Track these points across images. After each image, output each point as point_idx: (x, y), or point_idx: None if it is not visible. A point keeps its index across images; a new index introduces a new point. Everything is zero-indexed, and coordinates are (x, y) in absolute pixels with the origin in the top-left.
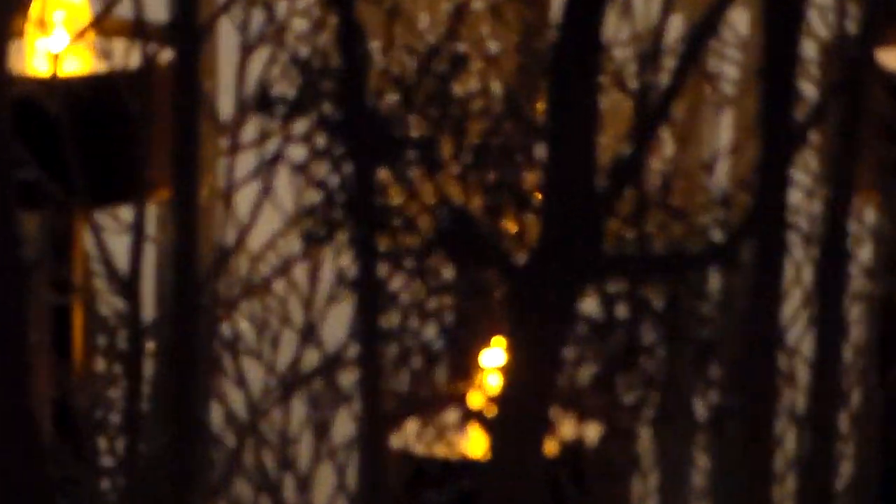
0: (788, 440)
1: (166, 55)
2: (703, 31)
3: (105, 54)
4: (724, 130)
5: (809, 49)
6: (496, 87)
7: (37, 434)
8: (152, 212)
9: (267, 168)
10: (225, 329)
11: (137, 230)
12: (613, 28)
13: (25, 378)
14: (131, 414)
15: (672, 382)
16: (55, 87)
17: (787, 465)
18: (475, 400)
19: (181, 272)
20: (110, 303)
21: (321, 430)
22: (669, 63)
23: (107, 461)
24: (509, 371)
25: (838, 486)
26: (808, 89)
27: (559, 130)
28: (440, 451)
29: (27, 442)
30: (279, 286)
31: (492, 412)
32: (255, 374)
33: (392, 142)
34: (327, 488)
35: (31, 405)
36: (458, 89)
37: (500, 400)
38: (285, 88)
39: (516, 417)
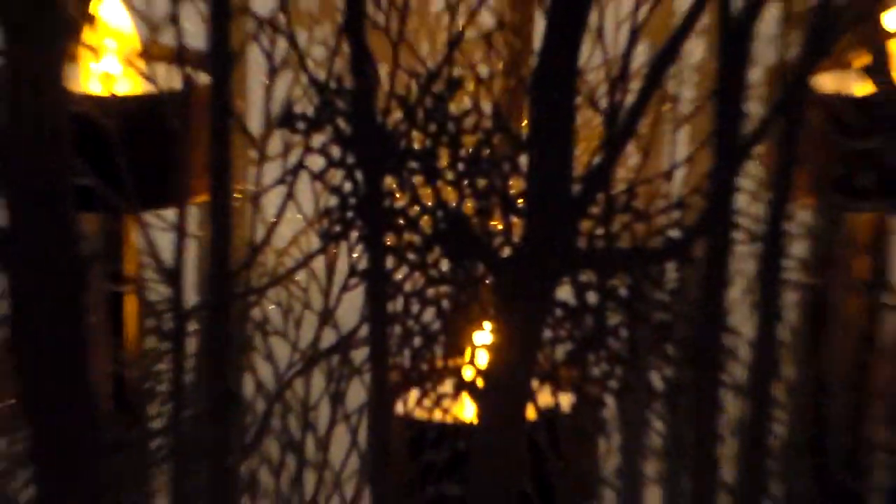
0: (731, 407)
1: (203, 78)
2: (665, 58)
3: (151, 77)
4: (681, 144)
5: (756, 74)
6: (486, 106)
7: (95, 403)
8: (193, 213)
9: (290, 176)
10: (255, 313)
11: (180, 228)
12: (587, 54)
13: (85, 355)
14: (176, 385)
15: (634, 358)
16: (108, 105)
17: (730, 428)
18: (467, 373)
19: (218, 264)
20: (158, 290)
21: (337, 398)
22: (635, 85)
23: (156, 425)
24: (496, 349)
25: (773, 446)
26: (755, 108)
27: (540, 143)
28: (437, 416)
29: (87, 410)
30: (301, 276)
31: (481, 383)
32: (281, 350)
33: (397, 153)
34: (342, 447)
35: (91, 378)
36: (453, 108)
37: (488, 373)
38: (305, 107)
39: (501, 388)
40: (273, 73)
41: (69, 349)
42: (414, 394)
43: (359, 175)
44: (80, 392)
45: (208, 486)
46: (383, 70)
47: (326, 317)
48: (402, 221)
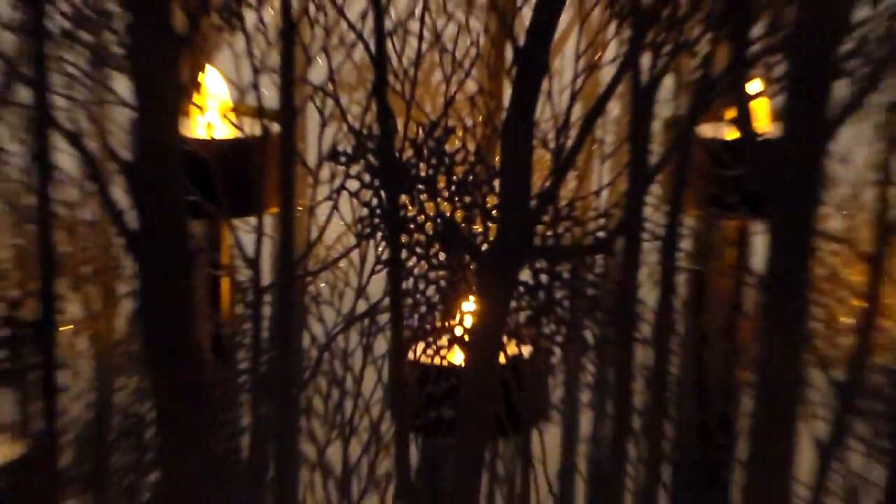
0: (641, 355)
1: (275, 127)
2: (594, 114)
3: (239, 126)
4: (606, 172)
5: (657, 125)
6: (471, 146)
7: (199, 351)
8: (267, 220)
9: (335, 194)
10: (311, 289)
11: (258, 230)
12: (540, 110)
13: (193, 318)
14: (256, 339)
15: (573, 321)
16: (209, 146)
17: (640, 370)
18: (458, 331)
19: (284, 255)
20: (243, 273)
21: (367, 348)
22: (574, 132)
23: (241, 367)
24: (477, 314)
25: (671, 383)
26: (656, 149)
27: (508, 172)
28: (437, 361)
29: (194, 356)
30: (343, 264)
31: (467, 338)
32: (329, 315)
33: (408, 179)
34: (371, 383)
35: (197, 334)
36: (448, 147)
37: (472, 331)
38: (346, 147)
39: (481, 341)
40: (323, 123)
41: (181, 314)
42: (420, 345)
43: (382, 194)
44: (188, 344)
45: (278, 410)
46: (400, 122)
47: (360, 292)
48: (412, 226)
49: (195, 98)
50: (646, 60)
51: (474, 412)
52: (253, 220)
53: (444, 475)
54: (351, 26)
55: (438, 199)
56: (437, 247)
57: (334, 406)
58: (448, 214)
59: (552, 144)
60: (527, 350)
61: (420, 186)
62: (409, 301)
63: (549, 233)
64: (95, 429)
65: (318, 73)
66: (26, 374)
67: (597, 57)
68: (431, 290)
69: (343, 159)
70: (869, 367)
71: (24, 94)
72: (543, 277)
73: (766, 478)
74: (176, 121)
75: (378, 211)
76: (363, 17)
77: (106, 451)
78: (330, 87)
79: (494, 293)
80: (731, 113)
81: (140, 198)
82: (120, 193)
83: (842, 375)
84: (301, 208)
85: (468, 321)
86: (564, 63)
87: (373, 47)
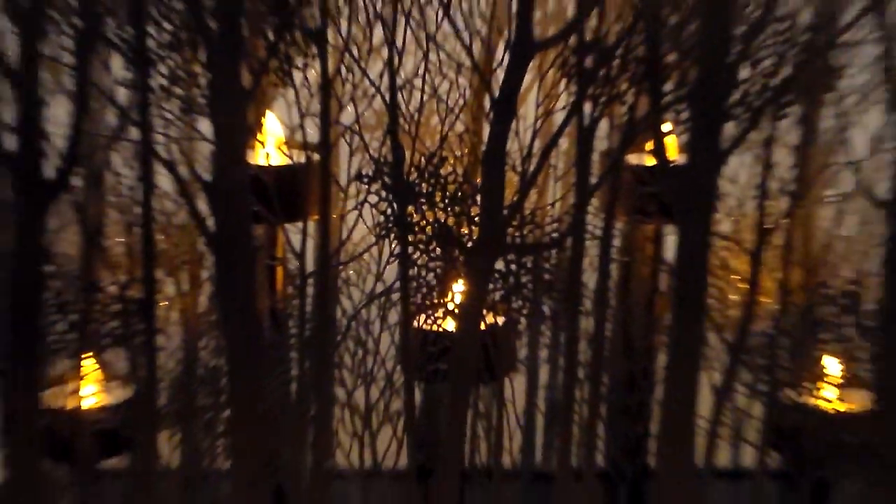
0: (584, 323)
1: (316, 157)
2: (550, 146)
3: (289, 156)
4: (558, 189)
5: (595, 155)
6: (460, 170)
7: (260, 322)
8: (311, 224)
9: (360, 205)
10: (343, 275)
11: (303, 231)
12: (511, 143)
13: (255, 297)
14: (301, 311)
15: (535, 297)
16: (268, 170)
17: (583, 334)
18: (451, 305)
19: (323, 250)
20: (292, 263)
21: (383, 318)
22: (535, 160)
23: (291, 332)
24: (465, 294)
25: (606, 345)
26: (595, 172)
27: (487, 188)
28: (435, 327)
29: (255, 326)
30: (366, 256)
31: (457, 311)
32: (355, 294)
33: (414, 194)
34: (387, 344)
35: (258, 309)
36: (442, 171)
37: (462, 305)
38: (368, 171)
39: (467, 313)
40: (351, 154)
41: (247, 293)
42: (422, 316)
43: (395, 205)
44: (252, 315)
45: (318, 364)
46: (407, 152)
47: (378, 277)
48: (416, 229)
49: (258, 135)
50: (588, 108)
51: (462, 366)
52: (300, 224)
53: (440, 412)
54: (371, 83)
55: (436, 209)
56: (434, 244)
57: (359, 361)
58: (443, 220)
59: (519, 169)
60: (501, 320)
61: (422, 200)
62: (414, 284)
63: (517, 234)
64: (184, 378)
65: (347, 116)
66: (133, 338)
67: (551, 105)
68: (431, 276)
69: (365, 180)
70: (751, 331)
71: (133, 133)
72: (513, 267)
73: (676, 414)
74: (244, 152)
75: (391, 218)
76: (381, 76)
77: (192, 395)
78: (356, 127)
79: (477, 278)
80: (649, 145)
81: (217, 208)
82: (202, 205)
83: (731, 337)
84: (335, 216)
85: (458, 299)
86: (528, 109)
87: (388, 98)
